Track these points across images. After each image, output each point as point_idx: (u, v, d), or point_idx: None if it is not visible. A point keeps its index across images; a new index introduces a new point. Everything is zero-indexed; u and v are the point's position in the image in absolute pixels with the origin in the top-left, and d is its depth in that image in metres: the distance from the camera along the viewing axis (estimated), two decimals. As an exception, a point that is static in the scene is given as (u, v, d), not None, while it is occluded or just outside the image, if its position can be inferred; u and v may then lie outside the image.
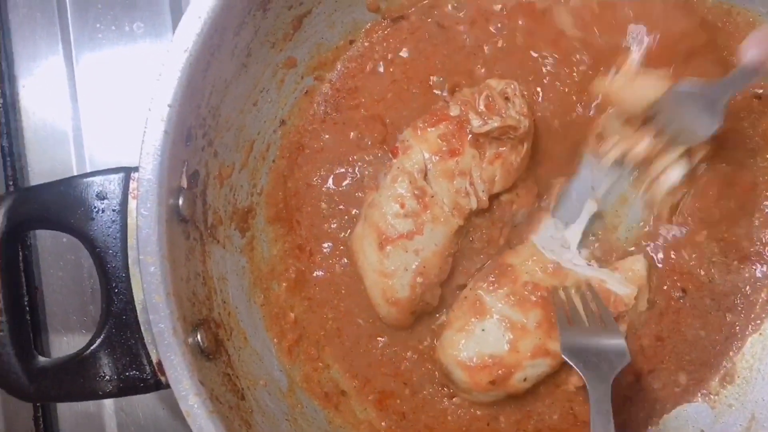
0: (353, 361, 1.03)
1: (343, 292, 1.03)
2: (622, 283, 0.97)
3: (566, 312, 0.92)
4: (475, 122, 0.94)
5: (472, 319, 0.96)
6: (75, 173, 1.14)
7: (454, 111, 0.96)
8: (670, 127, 0.93)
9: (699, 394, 1.02)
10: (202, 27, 0.81)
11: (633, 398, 1.02)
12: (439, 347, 0.98)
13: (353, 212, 1.03)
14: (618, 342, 0.88)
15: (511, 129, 0.93)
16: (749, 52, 0.77)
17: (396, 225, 0.95)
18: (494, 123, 0.93)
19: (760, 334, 1.01)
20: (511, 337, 0.94)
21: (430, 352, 1.02)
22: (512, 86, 0.95)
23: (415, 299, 0.97)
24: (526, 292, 0.95)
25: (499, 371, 0.93)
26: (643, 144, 0.96)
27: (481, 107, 0.94)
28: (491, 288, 0.97)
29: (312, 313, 1.04)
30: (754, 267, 1.01)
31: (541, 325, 0.94)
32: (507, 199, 1.00)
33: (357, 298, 1.02)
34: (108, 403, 1.12)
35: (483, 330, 0.95)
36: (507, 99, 0.95)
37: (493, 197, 0.98)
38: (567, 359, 0.85)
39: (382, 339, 1.03)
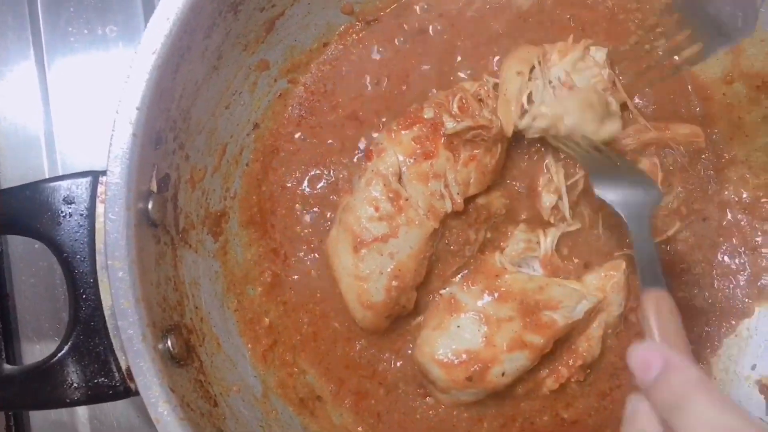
0: (329, 366, 1.02)
1: (318, 295, 1.02)
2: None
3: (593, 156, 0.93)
4: (449, 124, 0.93)
5: (447, 317, 0.96)
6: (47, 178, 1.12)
7: (427, 113, 0.95)
8: None
9: (675, 396, 1.02)
10: (171, 28, 0.80)
11: (611, 396, 1.01)
12: (416, 347, 0.98)
13: (328, 215, 1.02)
14: (646, 179, 0.90)
15: (484, 129, 0.93)
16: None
17: (371, 228, 0.94)
18: (466, 123, 0.92)
19: (736, 335, 1.01)
20: (486, 331, 0.93)
21: (406, 355, 1.01)
22: (485, 88, 0.95)
23: (391, 303, 0.96)
24: (503, 288, 0.95)
25: (476, 366, 0.93)
26: None
27: (455, 109, 0.94)
28: (465, 285, 0.97)
29: (287, 317, 1.03)
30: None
31: (516, 317, 0.93)
32: (482, 202, 0.99)
33: (332, 301, 1.01)
34: (81, 411, 1.10)
35: (458, 326, 0.94)
36: (481, 101, 0.95)
37: (469, 200, 0.98)
38: (600, 196, 0.87)
39: (359, 342, 1.02)
